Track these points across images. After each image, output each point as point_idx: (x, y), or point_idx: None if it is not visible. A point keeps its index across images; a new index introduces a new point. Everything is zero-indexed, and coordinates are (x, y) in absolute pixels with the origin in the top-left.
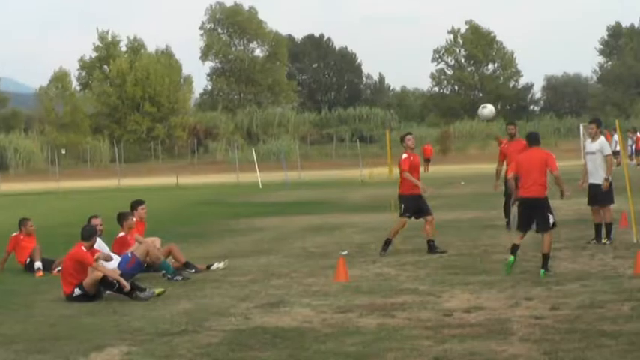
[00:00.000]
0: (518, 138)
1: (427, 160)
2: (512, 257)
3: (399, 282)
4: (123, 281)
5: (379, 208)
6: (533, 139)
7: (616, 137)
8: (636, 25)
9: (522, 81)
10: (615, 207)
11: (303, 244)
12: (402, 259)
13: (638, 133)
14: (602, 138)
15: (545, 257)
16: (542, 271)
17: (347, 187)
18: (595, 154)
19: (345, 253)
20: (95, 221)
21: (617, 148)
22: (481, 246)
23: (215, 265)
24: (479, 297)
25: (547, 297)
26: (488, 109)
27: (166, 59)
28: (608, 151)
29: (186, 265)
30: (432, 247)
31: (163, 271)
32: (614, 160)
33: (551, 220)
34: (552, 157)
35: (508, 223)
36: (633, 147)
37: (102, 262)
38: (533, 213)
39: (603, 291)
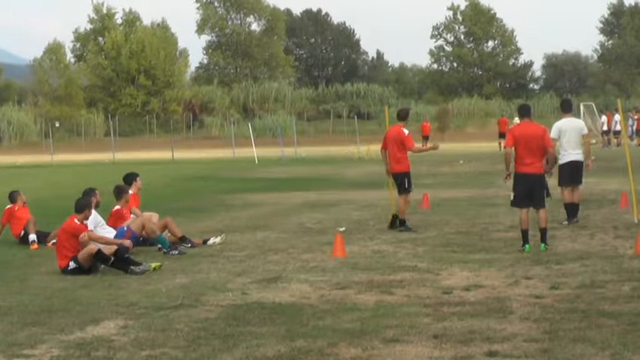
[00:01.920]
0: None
1: (425, 138)
2: (527, 246)
3: (398, 259)
4: (120, 242)
5: (376, 184)
6: (526, 111)
7: (617, 117)
8: (639, 4)
9: (522, 59)
10: (616, 187)
11: (300, 220)
12: (400, 236)
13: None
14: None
15: (544, 231)
16: (542, 244)
17: (344, 164)
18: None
19: (342, 229)
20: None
21: (619, 128)
22: (480, 224)
23: (212, 240)
24: (478, 275)
25: (547, 276)
26: None
27: (162, 32)
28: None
29: (183, 239)
30: (395, 224)
31: (159, 246)
32: (615, 140)
33: (546, 196)
34: (548, 133)
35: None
36: (634, 127)
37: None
38: (532, 189)
39: (604, 271)
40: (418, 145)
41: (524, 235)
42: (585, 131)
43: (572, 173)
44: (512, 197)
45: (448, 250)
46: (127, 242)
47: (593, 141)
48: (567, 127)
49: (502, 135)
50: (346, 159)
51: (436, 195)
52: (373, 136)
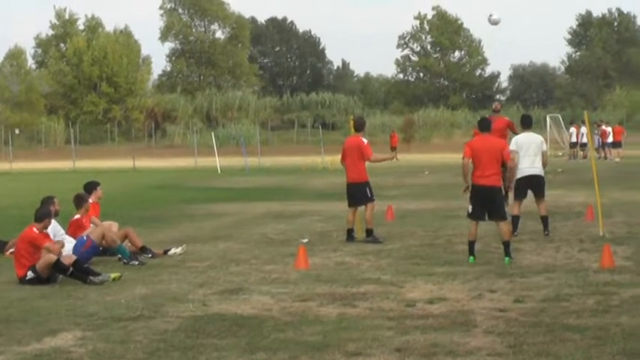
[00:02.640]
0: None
1: (394, 149)
2: (471, 258)
3: (361, 271)
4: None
5: (341, 195)
6: (485, 126)
7: (584, 129)
8: (607, 15)
9: (489, 70)
10: (582, 200)
11: (262, 230)
12: (363, 248)
13: (603, 126)
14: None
15: (507, 244)
16: (506, 258)
17: (308, 174)
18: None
19: (305, 241)
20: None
21: (585, 140)
22: (444, 236)
23: (172, 251)
24: (442, 288)
25: (511, 289)
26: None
27: (125, 39)
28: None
29: (143, 249)
30: (351, 237)
31: (119, 256)
32: (581, 153)
33: (506, 209)
34: (508, 147)
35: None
36: (599, 140)
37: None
38: (490, 202)
39: (569, 284)
40: (376, 154)
41: (471, 246)
42: (545, 147)
43: (531, 187)
44: (469, 209)
45: (412, 262)
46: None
47: (560, 153)
48: (526, 141)
49: None
50: (310, 169)
51: (400, 206)
52: (338, 147)
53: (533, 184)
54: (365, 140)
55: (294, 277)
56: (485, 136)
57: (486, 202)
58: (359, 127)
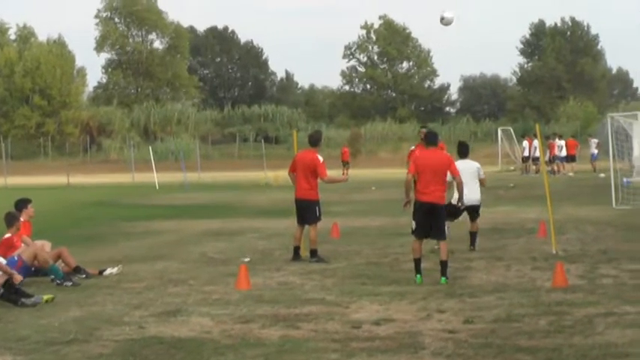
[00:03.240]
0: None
1: (345, 163)
2: (418, 277)
3: (305, 291)
4: (11, 272)
5: (284, 212)
6: (432, 140)
7: (536, 143)
8: (559, 24)
9: (438, 81)
10: (534, 216)
11: (202, 249)
12: (307, 267)
13: (551, 140)
14: None
15: (445, 264)
16: (443, 278)
17: (250, 190)
18: None
19: (246, 260)
20: None
21: (537, 154)
22: (391, 254)
23: (108, 271)
24: (389, 308)
25: (461, 310)
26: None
27: (58, 49)
28: None
29: (77, 269)
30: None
31: (52, 276)
32: (533, 167)
33: (447, 228)
34: (454, 161)
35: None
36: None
37: None
38: (432, 219)
39: (520, 304)
40: (331, 175)
41: (417, 264)
42: (482, 173)
43: (467, 212)
44: (413, 226)
45: (358, 281)
46: (18, 277)
47: (512, 167)
48: (462, 168)
49: None
50: (252, 185)
51: (346, 223)
52: (281, 161)
53: (470, 211)
54: (321, 158)
55: (234, 297)
56: (430, 150)
57: (427, 220)
58: (314, 142)
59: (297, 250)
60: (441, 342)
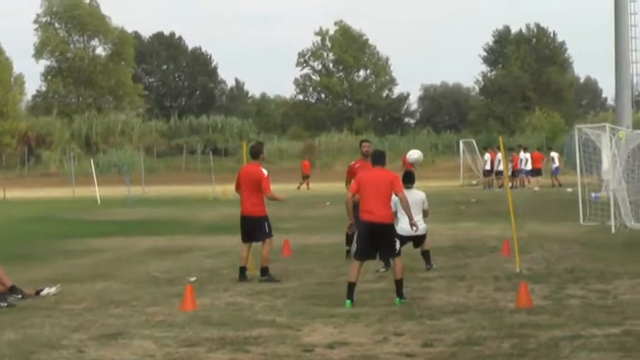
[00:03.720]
0: None
1: (306, 177)
2: (348, 302)
3: (254, 313)
4: None
5: (233, 229)
6: (378, 160)
7: (500, 156)
8: (524, 31)
9: (397, 90)
10: (497, 233)
11: (146, 268)
12: (257, 287)
13: (514, 152)
14: None
15: (400, 283)
16: (397, 299)
17: (197, 205)
18: None
19: (193, 279)
20: None
21: (501, 168)
22: (345, 274)
23: (46, 291)
24: (343, 331)
25: (419, 332)
26: (417, 154)
27: None
28: None
29: (12, 290)
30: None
31: None
32: (497, 181)
33: (397, 246)
34: (398, 178)
35: (349, 252)
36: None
37: None
38: (379, 240)
39: (482, 326)
40: (273, 192)
41: (350, 289)
42: (426, 205)
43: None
44: (353, 248)
45: (310, 302)
46: None
47: (474, 182)
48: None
49: None
50: (200, 200)
51: (298, 241)
52: (231, 175)
53: (414, 242)
54: (265, 172)
55: (180, 319)
56: (377, 168)
57: (376, 241)
58: (254, 154)
59: (242, 270)
60: None
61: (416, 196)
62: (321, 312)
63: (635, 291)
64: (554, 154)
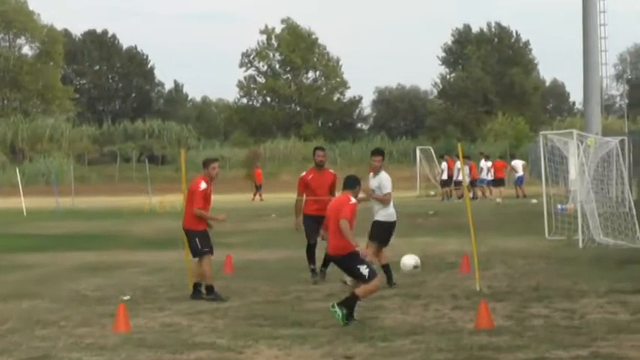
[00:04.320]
0: (327, 168)
1: (259, 187)
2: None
3: (193, 334)
4: None
5: (170, 243)
6: (345, 184)
7: (458, 164)
8: (485, 30)
9: (349, 94)
10: (456, 248)
11: (76, 286)
12: (196, 306)
13: (471, 161)
14: (383, 173)
15: (355, 300)
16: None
17: (132, 218)
18: (374, 191)
19: (126, 298)
20: None
21: (460, 178)
22: (292, 292)
23: None
24: (289, 354)
25: (371, 355)
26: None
27: None
28: (388, 188)
29: None
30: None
31: None
32: (456, 192)
33: (365, 272)
34: (348, 204)
35: (314, 271)
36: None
37: None
38: (344, 269)
39: (439, 348)
40: (202, 211)
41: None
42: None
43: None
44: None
45: (254, 323)
46: None
47: (432, 192)
48: None
49: None
50: (135, 212)
51: (242, 256)
52: (168, 185)
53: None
54: (203, 185)
55: (112, 341)
56: (341, 195)
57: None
58: (206, 164)
59: (195, 286)
60: None
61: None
62: (266, 333)
63: (603, 310)
64: (517, 162)
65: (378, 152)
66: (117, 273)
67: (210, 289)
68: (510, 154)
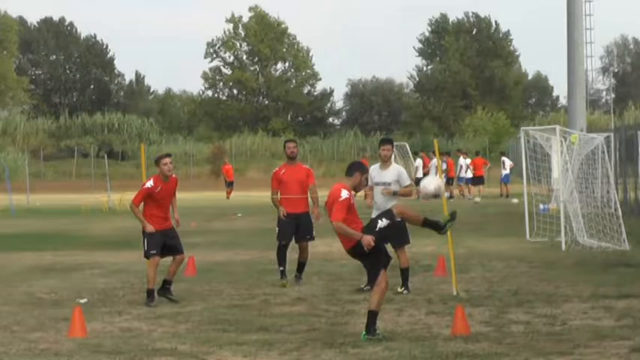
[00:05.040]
0: (300, 162)
1: (230, 184)
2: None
3: (153, 340)
4: None
5: (130, 244)
6: (346, 171)
7: (435, 161)
8: (463, 22)
9: (320, 86)
10: (432, 250)
11: (29, 288)
12: (157, 310)
13: (449, 157)
14: (395, 165)
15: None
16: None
17: (90, 217)
18: (391, 184)
19: (83, 301)
20: None
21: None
22: (259, 295)
23: None
24: None
25: None
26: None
27: None
28: (407, 180)
29: None
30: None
31: None
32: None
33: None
34: (337, 201)
35: (283, 273)
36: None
37: None
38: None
39: (412, 356)
40: (134, 205)
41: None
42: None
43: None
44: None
45: (218, 328)
46: None
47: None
48: None
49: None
50: (93, 210)
51: (205, 258)
52: (128, 182)
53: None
54: (148, 184)
55: (67, 347)
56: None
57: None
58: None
59: (164, 282)
60: None
61: None
62: (230, 339)
63: (586, 316)
64: (505, 159)
65: (387, 141)
66: (73, 275)
67: (149, 292)
68: (501, 152)
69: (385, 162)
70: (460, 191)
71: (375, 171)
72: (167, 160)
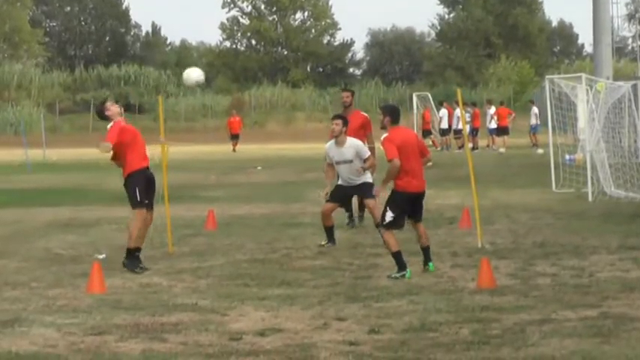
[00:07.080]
0: (356, 110)
1: (235, 136)
2: (409, 272)
3: (173, 295)
4: None
5: None
6: (398, 115)
7: (458, 112)
8: None
9: (340, 36)
10: (456, 202)
11: (47, 244)
12: (176, 265)
13: (475, 107)
14: (349, 139)
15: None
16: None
17: (107, 171)
18: (352, 161)
19: (101, 257)
20: None
21: (460, 126)
22: (281, 249)
23: None
24: (277, 316)
25: (365, 317)
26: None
27: None
28: (366, 152)
29: None
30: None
31: None
32: (456, 141)
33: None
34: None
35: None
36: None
37: None
38: (415, 207)
39: (437, 310)
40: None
41: (398, 258)
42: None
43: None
44: (388, 217)
45: (239, 283)
46: None
47: (430, 142)
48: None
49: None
50: (110, 165)
51: (225, 211)
52: (146, 135)
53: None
54: (117, 124)
55: (86, 303)
56: (401, 128)
57: (413, 209)
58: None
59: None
60: (339, 357)
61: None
62: (252, 294)
63: (614, 268)
64: (536, 110)
65: (337, 117)
66: (92, 230)
67: (128, 252)
68: (530, 100)
69: (337, 137)
70: (487, 142)
71: (332, 150)
72: (108, 104)
